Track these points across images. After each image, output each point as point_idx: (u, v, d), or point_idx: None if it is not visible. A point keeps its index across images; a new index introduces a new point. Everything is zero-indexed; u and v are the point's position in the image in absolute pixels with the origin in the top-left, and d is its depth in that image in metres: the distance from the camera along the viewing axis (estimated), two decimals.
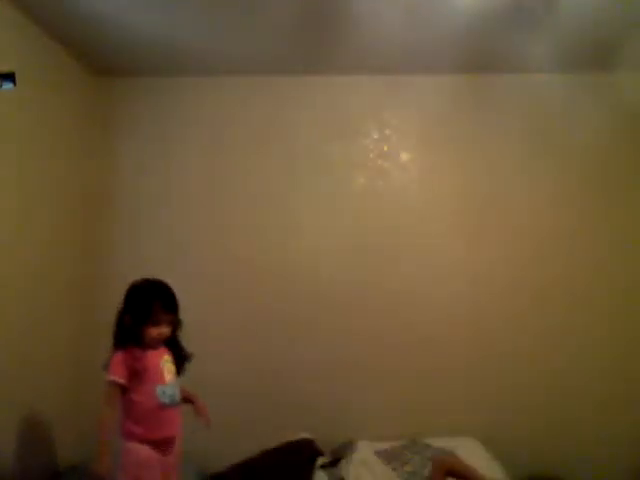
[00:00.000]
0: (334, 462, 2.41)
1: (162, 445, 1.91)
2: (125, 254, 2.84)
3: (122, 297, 1.97)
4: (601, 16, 2.28)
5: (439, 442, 2.47)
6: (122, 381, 1.86)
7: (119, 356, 1.89)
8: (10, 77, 2.10)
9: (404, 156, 2.88)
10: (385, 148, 2.88)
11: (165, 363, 1.98)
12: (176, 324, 2.02)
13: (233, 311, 2.79)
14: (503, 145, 2.84)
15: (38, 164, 2.45)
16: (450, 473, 1.83)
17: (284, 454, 2.38)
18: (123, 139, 2.93)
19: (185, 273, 2.73)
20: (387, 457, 2.40)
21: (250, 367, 2.74)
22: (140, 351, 1.91)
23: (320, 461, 2.42)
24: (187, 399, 2.06)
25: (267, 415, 2.69)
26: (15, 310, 2.28)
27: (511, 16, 2.25)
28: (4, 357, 2.19)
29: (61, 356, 2.61)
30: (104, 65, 2.83)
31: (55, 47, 2.57)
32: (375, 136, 2.89)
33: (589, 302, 2.71)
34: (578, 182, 2.78)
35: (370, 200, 2.84)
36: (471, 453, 2.26)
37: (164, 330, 1.96)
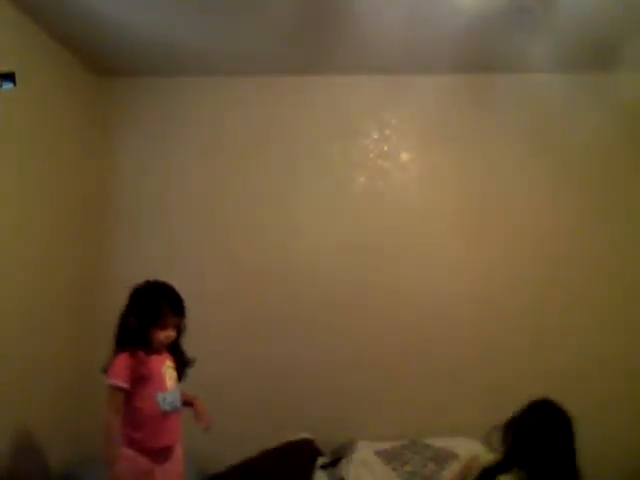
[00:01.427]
0: (334, 462, 2.41)
1: (159, 455, 1.86)
2: (125, 254, 2.84)
3: (126, 299, 1.93)
4: (601, 16, 2.27)
5: (439, 442, 2.46)
6: (126, 386, 1.80)
7: (125, 359, 1.82)
8: (10, 77, 2.10)
9: (404, 156, 2.88)
10: (385, 148, 2.88)
11: (167, 369, 1.93)
12: (181, 328, 1.98)
13: (233, 311, 2.79)
14: (503, 145, 2.84)
15: (38, 164, 2.45)
16: None
17: (284, 454, 2.38)
18: (123, 139, 2.93)
19: (185, 273, 2.72)
20: (387, 457, 2.40)
21: (250, 367, 2.74)
22: (145, 355, 1.86)
23: (320, 461, 2.42)
24: (187, 402, 2.01)
25: (267, 415, 2.69)
26: (15, 310, 2.28)
27: (511, 16, 2.25)
28: (4, 357, 2.18)
29: (61, 356, 2.60)
30: (104, 65, 2.83)
31: (55, 47, 2.57)
32: (375, 136, 2.89)
33: (589, 302, 2.71)
34: (578, 182, 2.78)
35: (370, 200, 2.84)
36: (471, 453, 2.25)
37: (171, 334, 1.92)
